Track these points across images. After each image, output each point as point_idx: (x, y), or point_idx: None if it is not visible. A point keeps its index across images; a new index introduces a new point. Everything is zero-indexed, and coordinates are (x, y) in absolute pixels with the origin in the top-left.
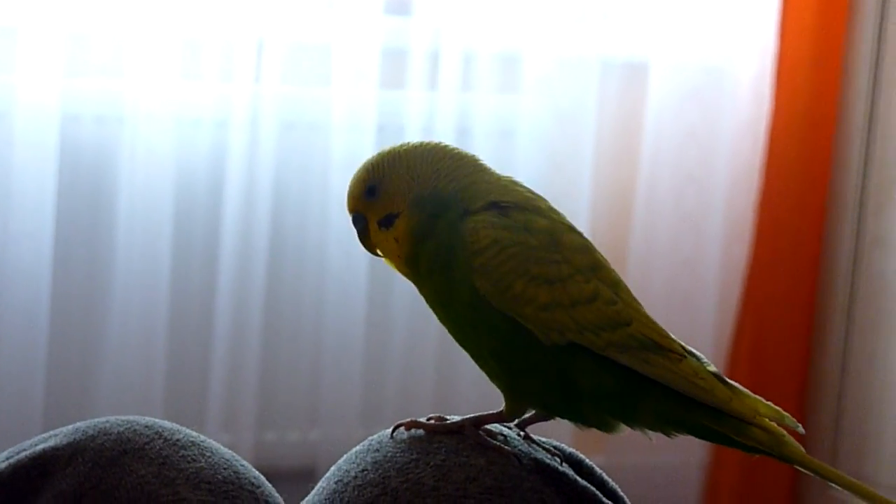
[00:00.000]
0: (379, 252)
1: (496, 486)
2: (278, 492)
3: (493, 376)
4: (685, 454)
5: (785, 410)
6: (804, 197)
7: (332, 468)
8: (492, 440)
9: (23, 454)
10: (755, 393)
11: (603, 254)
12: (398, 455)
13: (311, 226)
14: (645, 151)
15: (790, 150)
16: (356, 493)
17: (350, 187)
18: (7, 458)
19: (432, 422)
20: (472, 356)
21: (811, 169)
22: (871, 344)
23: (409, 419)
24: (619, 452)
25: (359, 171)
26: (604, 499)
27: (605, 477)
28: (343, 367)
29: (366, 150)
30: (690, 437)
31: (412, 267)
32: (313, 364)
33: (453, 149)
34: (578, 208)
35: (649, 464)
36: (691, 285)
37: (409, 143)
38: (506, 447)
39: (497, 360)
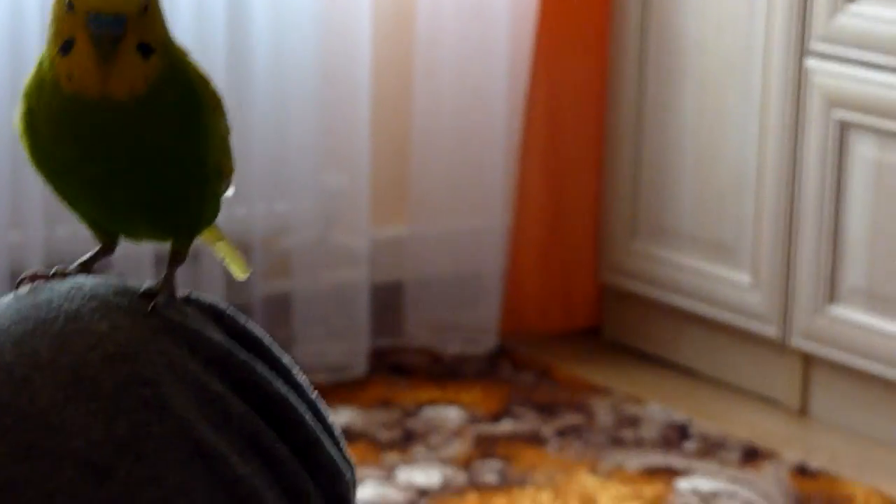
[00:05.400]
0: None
1: (119, 351)
2: None
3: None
4: (487, 218)
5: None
6: None
7: None
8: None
9: None
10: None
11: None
12: (13, 326)
13: None
14: None
15: None
16: None
17: None
18: None
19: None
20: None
21: None
22: (664, 93)
23: (32, 271)
24: (422, 222)
25: None
26: (241, 352)
27: (250, 328)
28: None
29: None
30: (492, 201)
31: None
32: None
33: None
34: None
35: (452, 230)
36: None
37: None
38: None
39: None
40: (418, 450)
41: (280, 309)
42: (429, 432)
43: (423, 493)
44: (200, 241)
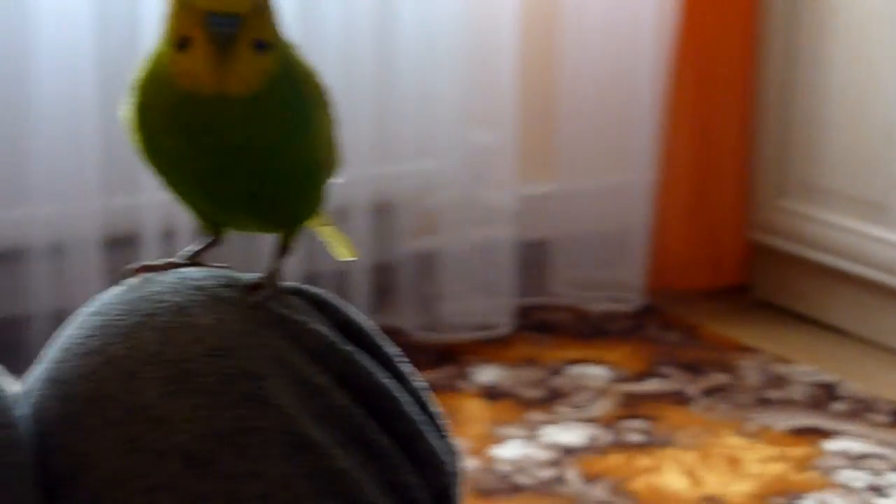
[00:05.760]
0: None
1: (223, 345)
2: None
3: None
4: (633, 175)
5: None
6: None
7: (63, 333)
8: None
9: None
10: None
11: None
12: (122, 319)
13: None
14: None
15: None
16: (78, 361)
17: None
18: None
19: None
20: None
21: None
22: (813, 48)
23: (141, 262)
24: (568, 178)
25: None
26: (345, 343)
27: (355, 317)
28: None
29: None
30: (639, 157)
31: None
32: None
33: None
34: None
35: (598, 187)
36: None
37: None
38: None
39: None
40: (563, 408)
41: (426, 266)
42: (574, 391)
43: (567, 451)
44: (306, 227)
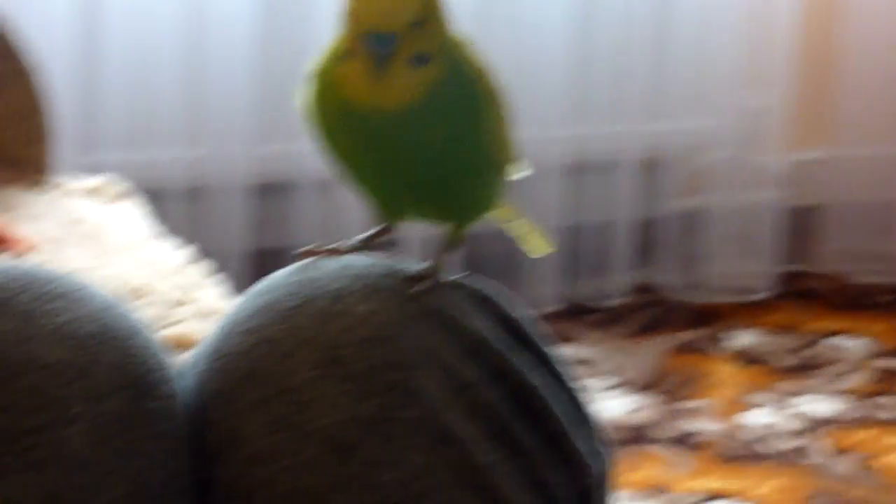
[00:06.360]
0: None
1: (375, 335)
2: None
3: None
4: None
5: None
6: None
7: (229, 311)
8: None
9: None
10: None
11: None
12: (282, 301)
13: None
14: None
15: None
16: (238, 339)
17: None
18: None
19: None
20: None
21: None
22: None
23: (311, 246)
24: (844, 144)
25: None
26: (499, 340)
27: (517, 314)
28: None
29: None
30: None
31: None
32: None
33: None
34: None
35: (876, 155)
36: None
37: None
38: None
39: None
40: (816, 380)
41: (691, 226)
42: (829, 362)
43: (815, 423)
44: (493, 222)
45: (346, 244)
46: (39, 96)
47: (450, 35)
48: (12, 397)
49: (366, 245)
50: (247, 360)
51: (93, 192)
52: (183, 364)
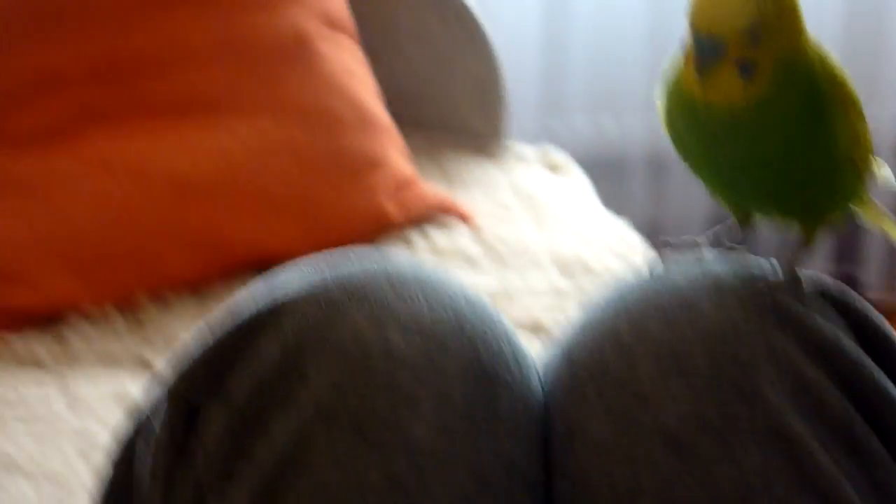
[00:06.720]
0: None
1: (718, 332)
2: None
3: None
4: None
5: None
6: None
7: (586, 308)
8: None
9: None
10: None
11: None
12: (630, 295)
13: None
14: None
15: None
16: (587, 335)
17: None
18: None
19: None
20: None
21: None
22: None
23: (665, 239)
24: None
25: None
26: (847, 341)
27: (873, 319)
28: None
29: None
30: None
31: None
32: None
33: None
34: None
35: None
36: None
37: None
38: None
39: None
40: None
41: None
42: None
43: None
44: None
45: (700, 239)
46: (495, 65)
47: (801, 41)
48: (366, 381)
49: (719, 242)
50: (592, 354)
51: (539, 162)
52: (544, 357)
